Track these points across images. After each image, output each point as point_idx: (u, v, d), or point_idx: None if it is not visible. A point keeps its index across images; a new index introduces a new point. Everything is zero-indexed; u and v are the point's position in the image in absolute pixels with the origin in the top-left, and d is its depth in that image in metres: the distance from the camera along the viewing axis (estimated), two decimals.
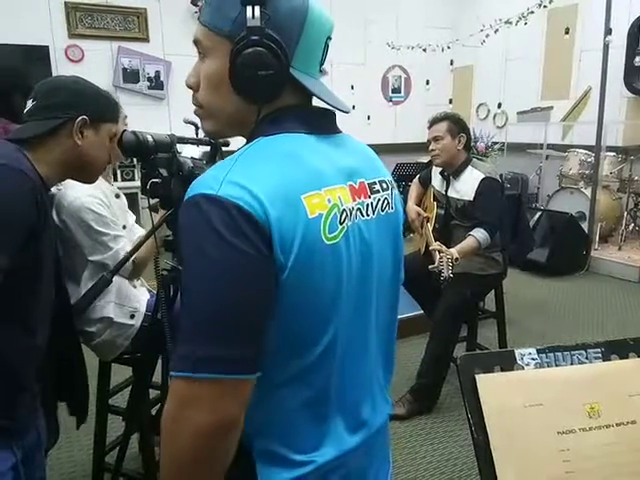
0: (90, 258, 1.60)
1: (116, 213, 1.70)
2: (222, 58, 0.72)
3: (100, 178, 1.67)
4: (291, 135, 0.73)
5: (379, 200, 0.81)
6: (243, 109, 0.74)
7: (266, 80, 0.70)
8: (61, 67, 4.89)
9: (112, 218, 1.64)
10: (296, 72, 0.72)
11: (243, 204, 0.62)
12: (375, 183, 0.82)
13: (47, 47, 4.81)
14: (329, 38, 0.77)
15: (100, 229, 1.59)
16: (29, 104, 1.14)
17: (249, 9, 0.68)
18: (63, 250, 1.65)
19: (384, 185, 0.84)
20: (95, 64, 5.03)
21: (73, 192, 1.57)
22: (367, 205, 0.78)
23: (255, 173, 0.66)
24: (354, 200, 0.75)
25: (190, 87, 0.78)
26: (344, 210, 0.72)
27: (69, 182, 1.60)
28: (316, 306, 0.70)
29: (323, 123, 0.79)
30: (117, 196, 1.78)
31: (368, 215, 0.78)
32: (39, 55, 4.73)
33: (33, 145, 1.11)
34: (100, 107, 1.20)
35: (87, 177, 1.26)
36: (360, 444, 0.80)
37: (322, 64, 0.78)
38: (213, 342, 0.62)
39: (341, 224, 0.70)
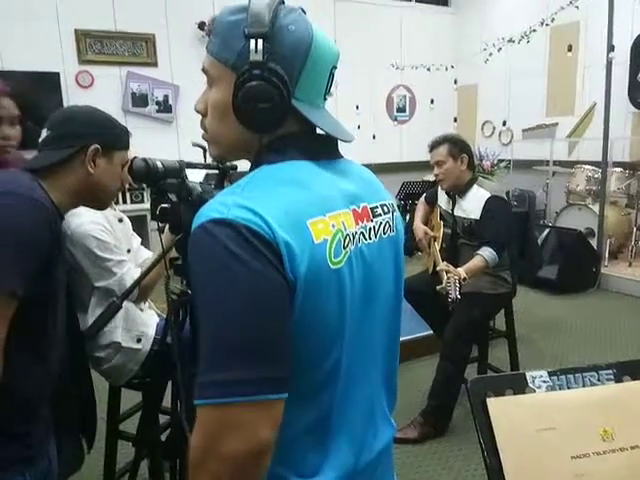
0: (96, 284, 1.61)
1: (119, 238, 1.71)
2: (227, 88, 0.74)
3: None
4: (294, 163, 0.75)
5: (381, 223, 0.83)
6: (247, 137, 0.76)
7: (267, 112, 0.72)
8: (71, 93, 4.98)
9: (115, 243, 1.65)
10: (299, 103, 0.74)
11: (253, 225, 0.63)
12: (377, 207, 0.83)
13: (58, 73, 4.91)
14: (334, 67, 0.79)
15: (103, 255, 1.59)
16: (44, 133, 1.17)
17: (252, 42, 0.70)
18: (70, 278, 1.66)
19: (385, 209, 0.85)
20: (105, 89, 5.13)
21: (76, 219, 1.58)
22: (370, 229, 0.79)
23: (262, 198, 0.67)
24: (357, 224, 0.77)
25: (198, 112, 0.81)
26: (347, 235, 0.73)
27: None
28: (321, 329, 0.70)
29: (325, 150, 0.81)
30: (120, 220, 1.79)
31: (370, 239, 0.79)
32: (50, 81, 4.82)
33: (47, 174, 1.13)
34: (112, 136, 1.23)
35: (100, 204, 1.29)
36: (362, 468, 0.80)
37: (328, 92, 0.80)
38: (243, 364, 0.62)
39: (344, 249, 0.72)
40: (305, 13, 0.77)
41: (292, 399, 0.70)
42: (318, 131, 0.80)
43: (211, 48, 0.77)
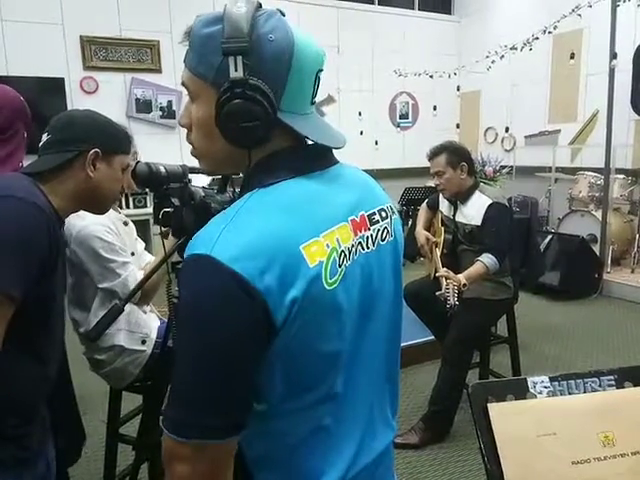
0: (99, 285, 1.62)
1: (124, 240, 1.72)
2: (208, 104, 0.71)
3: None
4: (286, 184, 0.72)
5: (379, 230, 0.81)
6: (235, 153, 0.73)
7: (252, 130, 0.69)
8: (76, 98, 5.02)
9: (120, 245, 1.65)
10: (285, 114, 0.71)
11: (236, 268, 0.62)
12: (374, 214, 0.82)
13: (62, 79, 4.95)
14: (320, 70, 0.75)
15: (108, 256, 1.60)
16: (44, 138, 1.17)
17: (231, 60, 0.67)
18: (74, 279, 1.67)
19: (383, 214, 0.84)
20: (109, 95, 5.16)
21: (81, 221, 1.59)
22: (367, 237, 0.78)
23: (252, 230, 0.65)
24: (356, 234, 0.75)
25: (183, 127, 0.78)
26: (342, 252, 0.71)
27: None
28: (318, 352, 0.70)
29: (317, 160, 0.78)
30: (125, 223, 1.80)
31: (369, 247, 0.78)
32: (55, 87, 4.86)
33: (47, 178, 1.13)
34: (112, 140, 1.22)
35: (100, 209, 1.28)
36: (361, 469, 0.80)
37: (314, 97, 0.77)
38: (190, 409, 0.66)
39: (339, 267, 0.70)
40: (284, 15, 0.73)
41: (288, 413, 0.72)
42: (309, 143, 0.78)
43: (188, 62, 0.73)
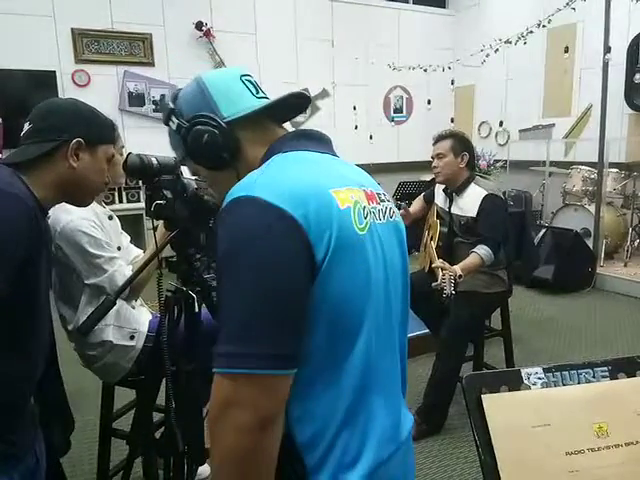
0: (86, 281, 1.59)
1: (110, 235, 1.69)
2: (201, 169, 0.92)
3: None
4: (301, 151, 0.82)
5: (386, 208, 0.87)
6: (230, 174, 0.87)
7: (219, 148, 0.86)
8: (68, 92, 4.97)
9: (106, 240, 1.62)
10: (233, 117, 0.86)
11: (277, 202, 0.68)
12: (380, 194, 0.88)
13: (54, 72, 4.90)
14: (244, 75, 0.91)
15: (94, 251, 1.57)
16: (25, 127, 1.13)
17: (171, 124, 0.90)
18: (60, 275, 1.65)
19: (386, 197, 0.90)
20: (101, 88, 5.11)
21: (65, 216, 1.56)
22: (378, 210, 0.84)
23: (284, 176, 0.73)
24: (369, 203, 0.82)
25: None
26: (364, 207, 0.78)
27: (62, 206, 1.60)
28: (352, 295, 0.73)
29: (322, 144, 0.87)
30: (110, 218, 1.77)
31: (380, 220, 0.83)
32: (46, 80, 4.81)
33: (29, 168, 1.09)
34: (96, 129, 1.18)
35: (83, 199, 1.24)
36: (394, 452, 0.83)
37: (258, 92, 0.91)
38: (250, 339, 0.66)
39: (365, 219, 0.77)
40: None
41: (328, 378, 0.73)
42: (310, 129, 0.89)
43: (178, 157, 0.96)
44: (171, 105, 0.91)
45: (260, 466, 0.69)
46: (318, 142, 0.87)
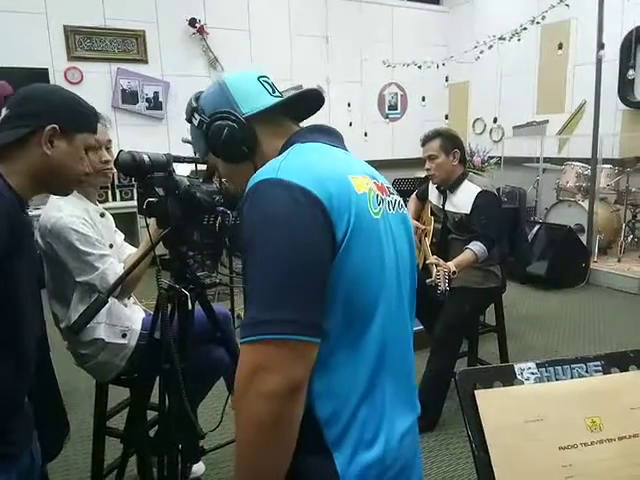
0: (77, 279, 1.57)
1: (101, 232, 1.66)
2: (221, 162, 0.98)
3: (84, 198, 1.65)
4: (317, 143, 0.87)
5: (395, 200, 0.92)
6: (248, 167, 0.92)
7: (238, 142, 0.92)
8: None
9: (97, 237, 1.60)
10: (250, 113, 0.92)
11: (301, 182, 0.73)
12: (389, 187, 0.93)
13: (46, 69, 4.87)
14: (261, 77, 0.98)
15: (85, 249, 1.55)
16: (2, 112, 1.09)
17: (194, 120, 0.96)
18: (52, 273, 1.63)
19: (394, 191, 0.95)
20: (94, 86, 5.08)
21: (56, 213, 1.54)
22: (388, 202, 0.88)
23: (305, 161, 0.79)
24: (381, 193, 0.86)
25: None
26: (378, 195, 0.83)
27: (52, 203, 1.58)
28: (366, 278, 0.77)
29: (335, 138, 0.93)
30: (102, 215, 1.73)
31: (390, 210, 0.87)
32: (39, 78, 4.76)
33: (2, 156, 1.05)
34: (75, 116, 1.13)
35: (62, 189, 1.19)
36: (406, 432, 0.87)
37: (274, 92, 0.97)
38: (280, 306, 0.69)
39: (379, 205, 0.82)
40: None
41: (346, 350, 0.76)
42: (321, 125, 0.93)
43: (200, 155, 1.02)
44: (194, 104, 0.97)
45: (285, 434, 0.71)
46: (332, 136, 0.92)
